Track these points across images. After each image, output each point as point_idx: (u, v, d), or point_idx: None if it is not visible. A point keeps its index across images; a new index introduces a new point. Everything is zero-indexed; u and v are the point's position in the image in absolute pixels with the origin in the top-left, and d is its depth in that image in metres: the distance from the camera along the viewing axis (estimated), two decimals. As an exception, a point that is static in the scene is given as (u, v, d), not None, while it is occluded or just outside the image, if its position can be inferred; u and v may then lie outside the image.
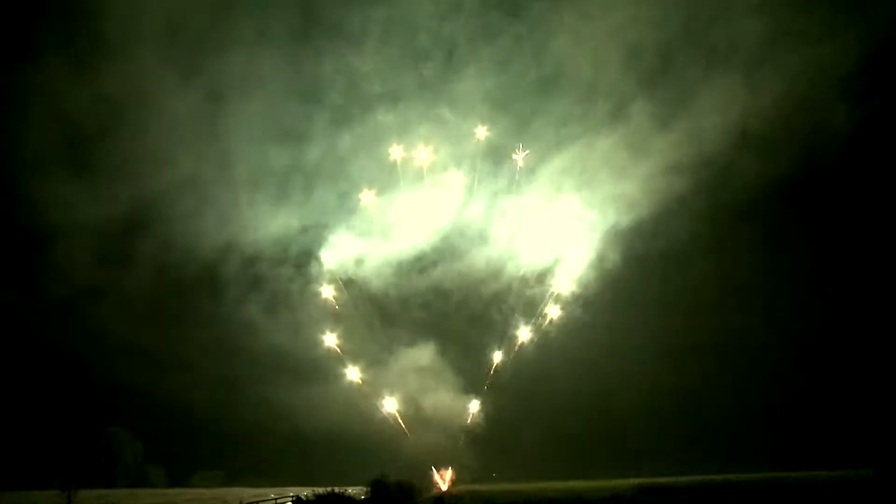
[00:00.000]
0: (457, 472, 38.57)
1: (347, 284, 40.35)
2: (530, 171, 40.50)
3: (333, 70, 40.09)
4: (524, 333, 39.01)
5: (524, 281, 39.85)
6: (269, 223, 40.51)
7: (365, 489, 33.88)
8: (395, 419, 38.69)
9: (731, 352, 39.09)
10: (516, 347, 38.97)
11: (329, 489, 33.66)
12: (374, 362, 39.68)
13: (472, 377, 39.70)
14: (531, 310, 39.49)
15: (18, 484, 33.95)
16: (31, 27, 39.25)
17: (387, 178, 40.47)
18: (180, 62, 39.92)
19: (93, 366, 38.22)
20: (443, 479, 38.48)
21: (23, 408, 37.16)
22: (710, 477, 36.18)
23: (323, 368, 39.31)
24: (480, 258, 40.53)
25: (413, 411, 39.11)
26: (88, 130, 39.35)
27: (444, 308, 40.54)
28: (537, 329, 38.97)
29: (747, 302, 39.34)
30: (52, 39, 39.47)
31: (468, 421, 39.19)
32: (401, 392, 39.18)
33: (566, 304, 39.07)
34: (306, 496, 30.15)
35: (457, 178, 40.37)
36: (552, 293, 39.15)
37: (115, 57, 39.26)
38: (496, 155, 40.86)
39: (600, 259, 39.38)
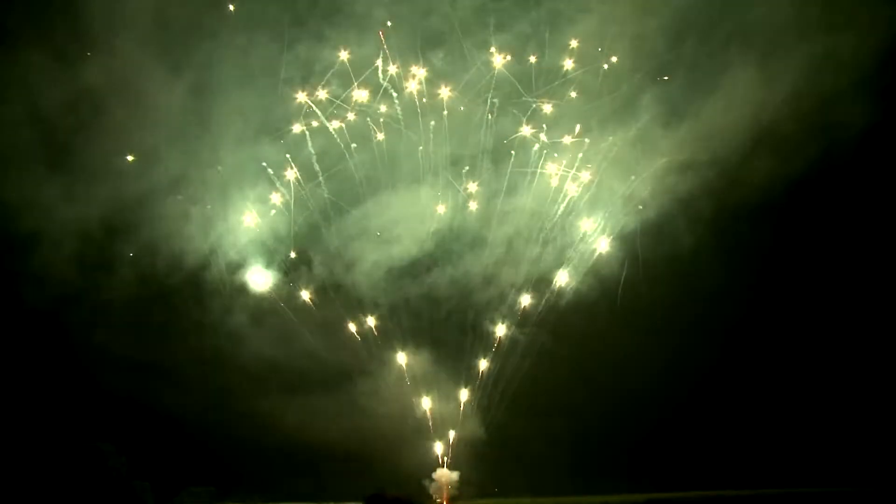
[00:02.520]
0: (457, 486, 37.69)
1: (336, 290, 39.55)
2: (533, 170, 39.57)
3: (333, 58, 37.90)
4: (520, 342, 38.58)
5: (520, 288, 39.20)
6: (249, 227, 39.25)
7: (362, 505, 33.61)
8: (390, 431, 38.18)
9: (739, 363, 38.69)
10: (514, 357, 38.44)
11: (324, 505, 33.24)
12: (364, 373, 39.08)
13: (470, 387, 39.03)
14: (527, 318, 39.06)
15: (-5, 503, 32.94)
16: (6, 16, 37.22)
17: (385, 176, 39.52)
18: (168, 52, 38.42)
19: (74, 377, 37.48)
20: (443, 494, 37.70)
21: (-1, 421, 36.05)
22: (721, 492, 35.80)
23: (315, 379, 38.72)
24: (475, 264, 39.77)
25: (409, 423, 38.59)
26: (68, 127, 37.65)
27: (436, 316, 39.63)
28: (534, 337, 38.57)
29: (756, 309, 38.67)
30: (30, 29, 37.61)
31: (468, 433, 38.63)
32: (395, 403, 38.54)
33: (564, 312, 38.56)
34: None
35: (459, 175, 39.41)
36: (549, 301, 38.61)
37: (97, 48, 37.85)
38: (497, 152, 39.72)
39: (601, 264, 38.76)
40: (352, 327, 39.34)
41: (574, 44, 38.20)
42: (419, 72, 37.86)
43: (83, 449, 36.19)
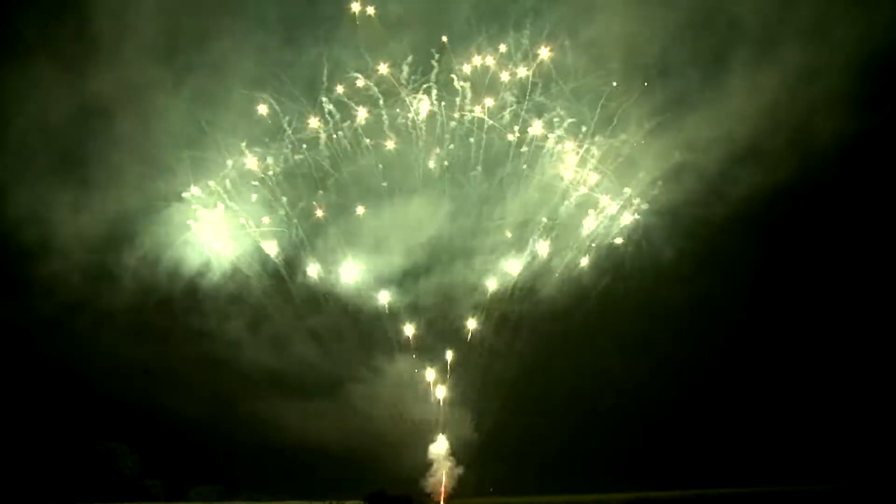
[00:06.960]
0: (453, 485, 40.08)
1: (327, 299, 41.53)
2: (523, 178, 41.39)
3: (342, 61, 39.21)
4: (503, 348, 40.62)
5: (503, 296, 41.26)
6: (249, 234, 41.06)
7: (362, 503, 35.73)
8: (388, 433, 40.53)
9: (717, 369, 40.99)
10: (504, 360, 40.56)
11: (327, 503, 35.53)
12: (354, 378, 41.14)
13: (461, 389, 41.31)
14: (509, 325, 40.99)
15: (16, 500, 35.36)
16: (16, 26, 38.90)
17: (384, 185, 41.04)
18: (175, 60, 39.93)
19: (86, 380, 39.70)
20: (440, 493, 40.01)
21: (18, 423, 38.47)
22: (704, 491, 37.91)
23: (314, 383, 40.93)
24: (460, 273, 41.62)
25: (404, 426, 40.84)
26: (76, 138, 39.72)
27: (419, 323, 41.66)
28: (520, 344, 40.51)
29: (735, 319, 40.98)
30: (40, 40, 39.39)
31: (461, 433, 40.98)
32: (389, 407, 40.90)
33: (545, 319, 40.62)
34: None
35: (456, 182, 41.28)
36: (536, 307, 40.76)
37: (104, 58, 39.60)
38: (489, 161, 41.46)
39: (581, 275, 40.78)
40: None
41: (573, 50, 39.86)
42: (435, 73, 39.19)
43: (96, 449, 38.80)
